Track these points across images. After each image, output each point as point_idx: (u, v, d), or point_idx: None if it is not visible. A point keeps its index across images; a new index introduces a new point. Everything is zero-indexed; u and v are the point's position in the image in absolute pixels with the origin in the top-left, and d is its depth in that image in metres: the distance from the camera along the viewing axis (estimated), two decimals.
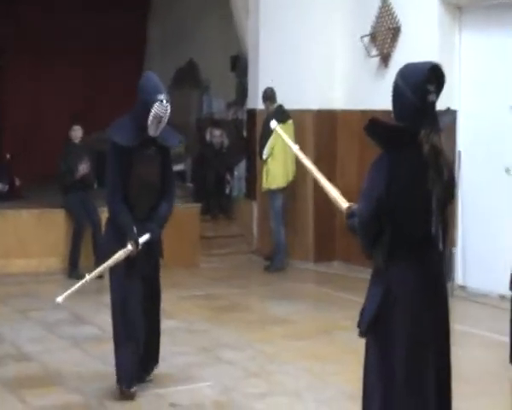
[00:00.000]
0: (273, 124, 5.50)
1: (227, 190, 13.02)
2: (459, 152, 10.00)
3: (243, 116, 13.69)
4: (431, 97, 3.79)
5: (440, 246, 3.89)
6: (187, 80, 15.96)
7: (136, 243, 6.01)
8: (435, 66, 3.82)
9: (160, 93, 5.93)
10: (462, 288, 9.84)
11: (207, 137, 13.39)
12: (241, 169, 13.21)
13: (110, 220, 6.32)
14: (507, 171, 8.85)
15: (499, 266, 8.71)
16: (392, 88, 3.86)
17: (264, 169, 10.96)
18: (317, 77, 11.50)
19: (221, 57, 15.40)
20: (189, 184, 13.34)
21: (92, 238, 10.40)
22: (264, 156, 10.83)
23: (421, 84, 3.75)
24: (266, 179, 10.94)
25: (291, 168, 10.89)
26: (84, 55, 15.58)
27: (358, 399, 4.23)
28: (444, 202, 3.86)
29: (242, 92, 13.90)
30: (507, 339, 6.88)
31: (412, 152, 3.77)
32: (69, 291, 5.98)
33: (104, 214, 10.48)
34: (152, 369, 6.43)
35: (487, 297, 9.36)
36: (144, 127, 5.99)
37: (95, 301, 9.21)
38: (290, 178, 11.00)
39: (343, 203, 4.19)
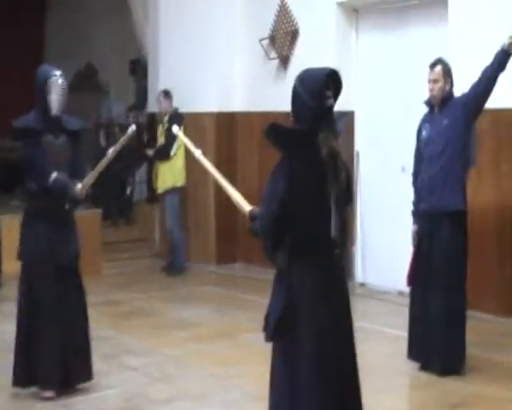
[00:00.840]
0: (175, 129, 5.61)
1: (128, 192, 12.90)
2: (357, 152, 10.19)
3: (143, 120, 13.62)
4: (329, 102, 3.86)
5: (338, 246, 3.96)
6: (85, 84, 15.78)
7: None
8: (332, 71, 3.90)
9: (54, 70, 6.20)
10: (362, 285, 10.02)
11: (101, 140, 13.30)
12: (141, 173, 13.14)
13: (27, 222, 6.27)
14: (402, 170, 9.06)
15: (397, 263, 8.90)
16: (292, 92, 3.92)
17: (167, 167, 10.91)
18: (217, 79, 11.54)
19: (120, 61, 15.32)
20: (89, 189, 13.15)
21: None
22: (172, 153, 10.83)
23: (319, 89, 3.83)
24: (173, 176, 10.91)
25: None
26: None
27: (263, 400, 4.28)
28: (342, 204, 3.93)
29: (142, 96, 13.84)
30: (405, 334, 7.06)
31: (311, 155, 3.83)
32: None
33: (4, 221, 10.36)
34: (80, 378, 6.33)
35: (386, 294, 9.55)
36: (46, 108, 6.12)
37: None
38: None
39: (246, 206, 4.23)
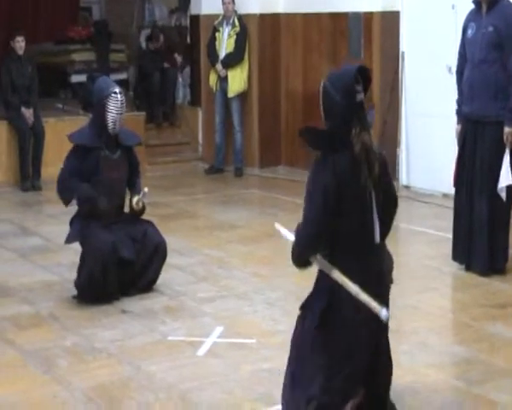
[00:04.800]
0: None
1: (176, 92, 12.86)
2: (402, 53, 10.04)
3: (186, 22, 13.52)
4: (359, 97, 3.90)
5: (376, 238, 3.97)
6: None
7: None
8: (361, 67, 3.97)
9: (113, 86, 6.16)
10: (407, 188, 9.98)
11: (142, 42, 13.33)
12: (185, 76, 13.08)
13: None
14: (449, 70, 8.90)
15: (442, 165, 8.86)
16: (321, 91, 3.96)
17: (238, 71, 10.98)
18: None
19: None
20: (131, 93, 13.14)
21: (33, 148, 10.32)
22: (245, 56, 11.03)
23: (350, 85, 3.88)
24: (243, 81, 11.05)
25: None
26: None
27: None
28: (378, 197, 3.95)
29: None
30: (450, 236, 7.05)
31: (345, 152, 3.87)
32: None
33: (47, 123, 10.44)
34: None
35: (431, 196, 9.51)
36: (104, 125, 6.14)
37: (37, 212, 9.26)
38: None
39: None
